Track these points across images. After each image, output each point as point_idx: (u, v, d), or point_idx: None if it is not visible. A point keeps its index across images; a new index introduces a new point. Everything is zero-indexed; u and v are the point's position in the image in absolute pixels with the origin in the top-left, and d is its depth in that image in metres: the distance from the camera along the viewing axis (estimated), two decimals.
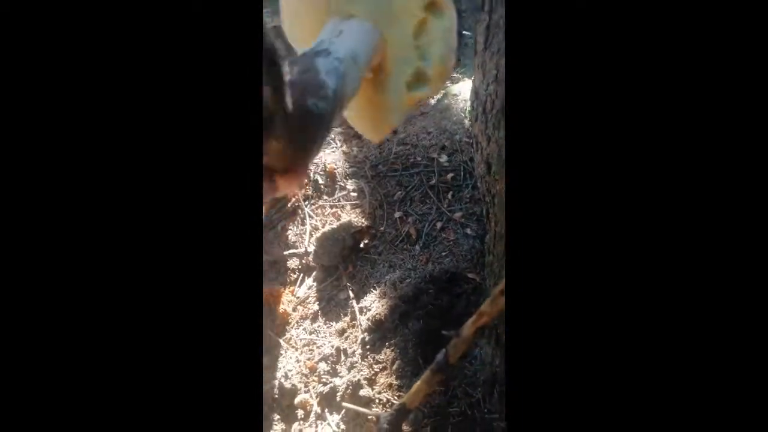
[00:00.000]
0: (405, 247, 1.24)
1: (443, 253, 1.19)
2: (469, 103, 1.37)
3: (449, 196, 1.33)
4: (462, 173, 1.38)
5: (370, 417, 0.77)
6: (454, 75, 1.62)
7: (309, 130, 0.31)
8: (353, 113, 0.49)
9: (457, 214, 1.28)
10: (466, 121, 1.44)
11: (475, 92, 1.02)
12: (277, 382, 1.10)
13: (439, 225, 1.26)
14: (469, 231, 1.23)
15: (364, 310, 1.13)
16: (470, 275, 1.10)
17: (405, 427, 0.68)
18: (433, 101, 1.31)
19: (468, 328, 0.60)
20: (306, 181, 0.38)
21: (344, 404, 0.85)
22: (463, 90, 1.51)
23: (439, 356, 0.59)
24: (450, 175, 1.37)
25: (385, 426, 0.58)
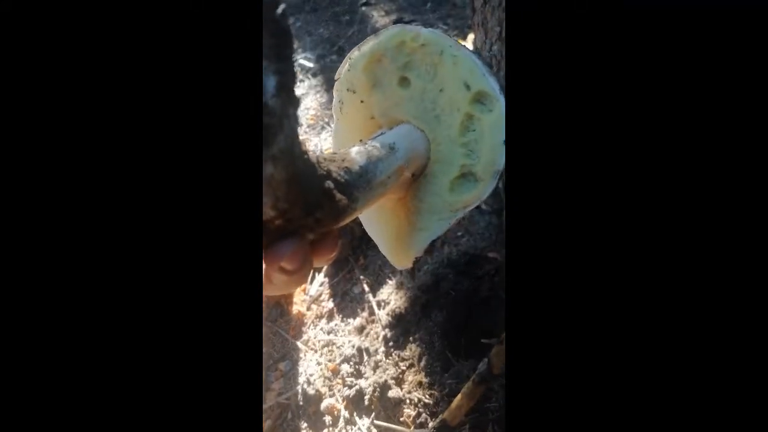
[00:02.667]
0: None
1: (458, 233, 1.11)
2: None
3: None
4: None
5: None
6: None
7: (331, 198, 0.28)
8: (380, 232, 0.43)
9: None
10: None
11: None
12: (300, 388, 1.05)
13: None
14: (483, 206, 1.15)
15: (382, 304, 1.07)
16: (490, 254, 1.03)
17: None
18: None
19: None
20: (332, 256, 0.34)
21: (376, 422, 0.80)
22: None
23: (482, 366, 0.53)
24: None
25: None
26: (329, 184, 0.27)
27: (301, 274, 0.27)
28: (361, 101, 0.41)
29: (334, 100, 0.43)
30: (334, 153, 0.32)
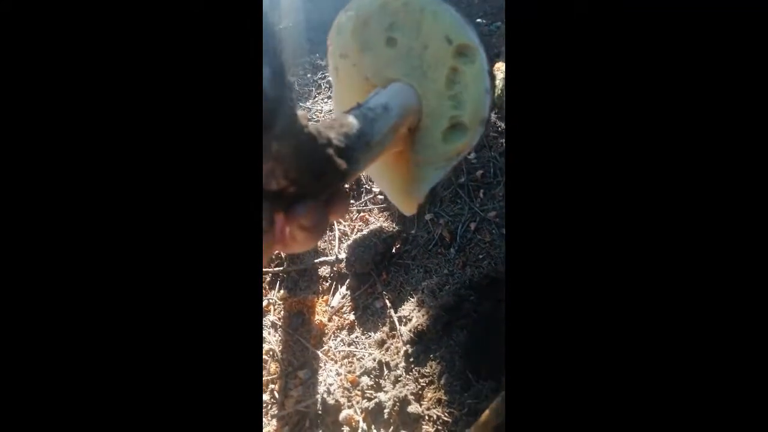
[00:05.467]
0: (439, 251, 1.21)
1: (480, 256, 1.15)
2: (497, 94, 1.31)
3: (480, 194, 1.28)
4: (492, 170, 1.33)
5: None
6: None
7: (333, 163, 0.31)
8: (387, 184, 0.47)
9: (491, 213, 1.23)
10: (492, 115, 1.39)
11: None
12: (319, 397, 1.08)
13: (472, 226, 1.22)
14: (504, 231, 1.18)
15: (404, 320, 1.10)
16: None
17: None
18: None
19: None
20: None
21: None
22: None
23: None
24: (479, 173, 1.32)
25: None
26: (330, 151, 0.31)
27: (319, 229, 0.30)
28: (353, 65, 0.44)
29: (329, 66, 0.46)
30: (333, 119, 0.34)
